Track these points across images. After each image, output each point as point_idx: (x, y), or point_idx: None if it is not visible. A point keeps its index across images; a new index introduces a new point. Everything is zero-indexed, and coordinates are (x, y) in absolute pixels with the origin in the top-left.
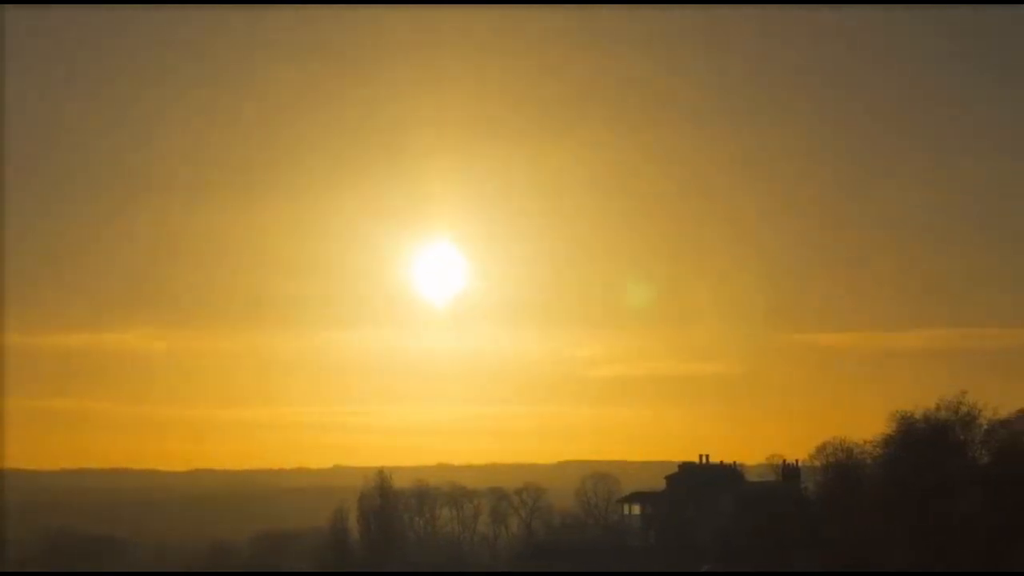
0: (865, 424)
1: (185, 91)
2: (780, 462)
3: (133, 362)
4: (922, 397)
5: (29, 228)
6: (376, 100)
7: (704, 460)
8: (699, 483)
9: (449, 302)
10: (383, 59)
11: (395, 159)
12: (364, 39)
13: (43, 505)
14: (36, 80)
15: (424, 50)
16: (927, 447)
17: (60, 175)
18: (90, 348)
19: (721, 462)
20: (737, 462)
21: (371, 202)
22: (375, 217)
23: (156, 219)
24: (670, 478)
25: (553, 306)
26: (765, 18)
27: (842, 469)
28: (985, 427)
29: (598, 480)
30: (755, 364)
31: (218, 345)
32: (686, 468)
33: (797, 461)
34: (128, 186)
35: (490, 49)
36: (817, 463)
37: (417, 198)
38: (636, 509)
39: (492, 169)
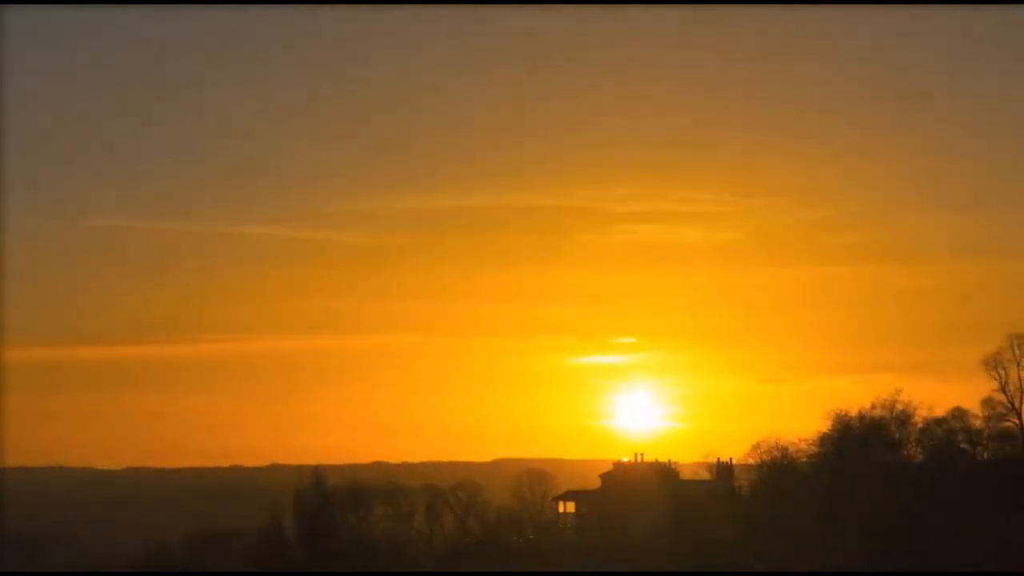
0: None
1: None
2: (715, 460)
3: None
4: None
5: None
6: None
7: (639, 458)
8: (633, 481)
9: None
10: None
11: None
12: None
13: None
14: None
15: None
16: (862, 445)
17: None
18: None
19: (656, 460)
20: (672, 460)
21: None
22: None
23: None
24: (605, 476)
25: None
26: None
27: (777, 467)
28: (920, 425)
29: (534, 478)
30: None
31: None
32: (621, 467)
33: (731, 460)
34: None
35: None
36: (752, 461)
37: None
38: (571, 507)
39: None
